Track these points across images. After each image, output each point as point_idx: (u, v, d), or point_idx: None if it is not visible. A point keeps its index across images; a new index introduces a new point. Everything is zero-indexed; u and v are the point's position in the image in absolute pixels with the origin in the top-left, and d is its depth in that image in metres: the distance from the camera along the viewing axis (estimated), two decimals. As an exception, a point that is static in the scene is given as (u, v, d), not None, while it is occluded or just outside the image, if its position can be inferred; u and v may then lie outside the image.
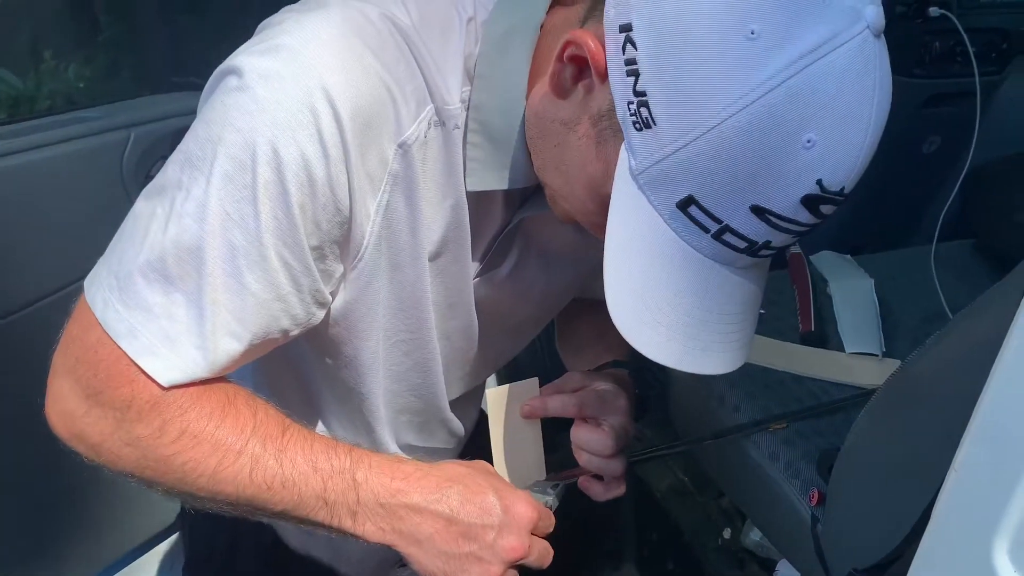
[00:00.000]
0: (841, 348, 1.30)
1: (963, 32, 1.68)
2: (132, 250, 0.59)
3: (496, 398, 0.81)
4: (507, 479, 0.81)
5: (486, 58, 0.65)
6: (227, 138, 0.56)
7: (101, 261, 0.61)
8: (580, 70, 0.60)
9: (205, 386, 0.61)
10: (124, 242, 0.60)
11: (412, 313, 0.73)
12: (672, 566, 1.61)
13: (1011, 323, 0.52)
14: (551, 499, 0.78)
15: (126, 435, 0.59)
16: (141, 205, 0.61)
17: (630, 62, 0.55)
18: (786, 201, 0.55)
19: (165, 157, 1.13)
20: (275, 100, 0.56)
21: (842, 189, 0.55)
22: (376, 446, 0.84)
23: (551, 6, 0.67)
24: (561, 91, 0.62)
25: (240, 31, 0.64)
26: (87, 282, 0.61)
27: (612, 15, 0.57)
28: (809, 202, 0.55)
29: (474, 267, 0.75)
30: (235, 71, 0.58)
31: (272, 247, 0.59)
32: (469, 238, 0.72)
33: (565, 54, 0.60)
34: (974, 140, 1.62)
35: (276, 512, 0.62)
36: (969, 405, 0.55)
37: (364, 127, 0.59)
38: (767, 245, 0.58)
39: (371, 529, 0.63)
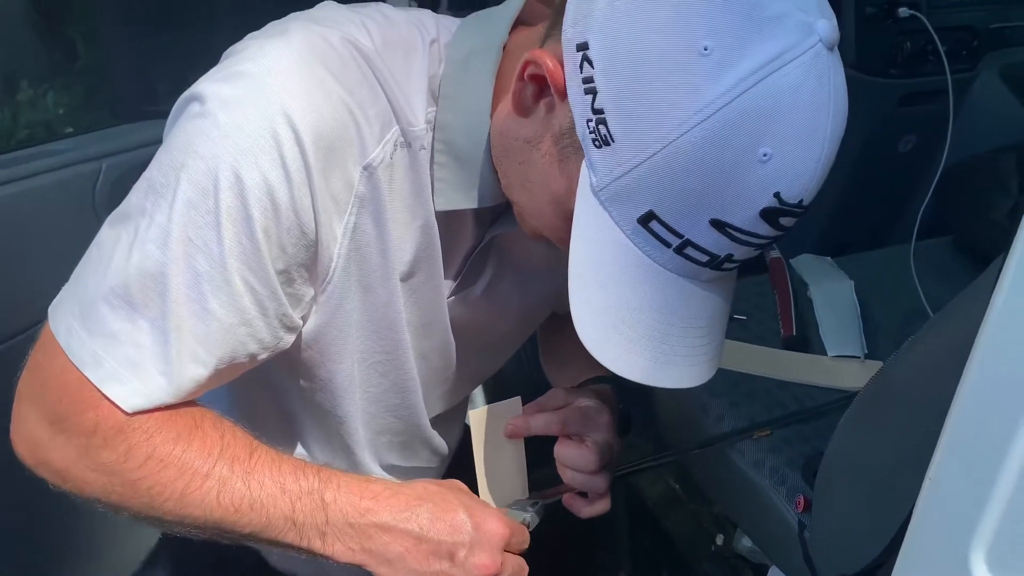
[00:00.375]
0: (823, 352, 1.30)
1: (933, 31, 1.70)
2: (96, 277, 0.59)
3: (479, 418, 0.81)
4: (490, 499, 0.81)
5: (450, 79, 0.66)
6: (189, 164, 0.57)
7: (65, 288, 0.61)
8: (541, 89, 0.61)
9: (171, 410, 0.61)
10: (88, 269, 0.60)
11: (386, 334, 0.73)
12: (666, 574, 1.60)
13: (979, 328, 0.52)
14: (529, 516, 0.78)
15: (92, 461, 0.59)
16: (105, 232, 0.61)
17: (587, 80, 0.56)
18: (745, 215, 0.55)
19: (137, 187, 1.14)
20: (237, 126, 0.57)
21: (800, 201, 0.56)
22: (356, 468, 0.83)
23: (514, 27, 0.68)
24: (523, 110, 0.62)
25: (213, 59, 0.65)
26: (51, 309, 0.61)
27: (570, 34, 0.58)
28: (768, 215, 0.55)
29: (448, 286, 0.75)
30: (197, 98, 0.59)
31: (236, 272, 0.59)
32: (440, 258, 0.72)
33: (525, 73, 0.60)
34: (948, 138, 1.63)
35: (245, 534, 0.62)
36: (946, 409, 0.55)
37: (327, 151, 0.60)
38: (729, 258, 0.58)
39: (341, 549, 0.62)
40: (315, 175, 0.59)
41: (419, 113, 0.66)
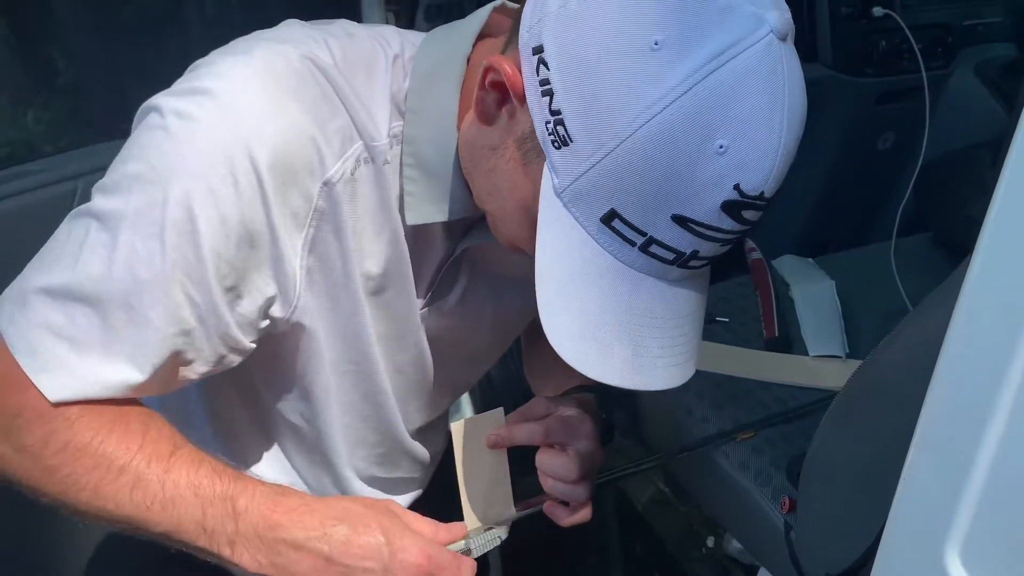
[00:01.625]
0: (805, 352, 1.31)
1: (907, 30, 1.71)
2: (44, 271, 0.60)
3: (461, 430, 0.81)
4: (472, 511, 0.80)
5: (416, 92, 0.66)
6: (142, 175, 0.58)
7: (17, 278, 0.62)
8: (502, 95, 0.61)
9: (99, 404, 0.61)
10: (40, 261, 0.62)
11: (354, 345, 0.73)
12: (658, 577, 1.60)
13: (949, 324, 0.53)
14: (474, 543, 0.77)
15: (13, 442, 0.60)
16: (62, 228, 0.62)
17: (544, 82, 0.56)
18: (706, 209, 0.55)
19: (115, 206, 1.13)
20: (191, 142, 0.58)
21: (762, 193, 0.56)
22: (339, 481, 0.83)
23: (478, 40, 0.68)
24: (486, 117, 0.63)
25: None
26: (2, 300, 0.62)
27: (526, 38, 0.58)
28: (730, 208, 0.55)
29: (421, 299, 0.75)
30: (156, 109, 0.60)
31: (178, 283, 0.59)
32: (410, 271, 0.72)
33: (486, 81, 0.61)
34: (925, 135, 1.64)
35: (156, 534, 0.62)
36: (920, 407, 0.55)
37: (284, 169, 0.60)
38: (695, 255, 0.58)
39: (248, 560, 0.62)
40: (270, 192, 0.60)
41: (382, 128, 0.66)
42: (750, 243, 1.59)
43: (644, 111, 0.53)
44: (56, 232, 0.62)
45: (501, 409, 0.82)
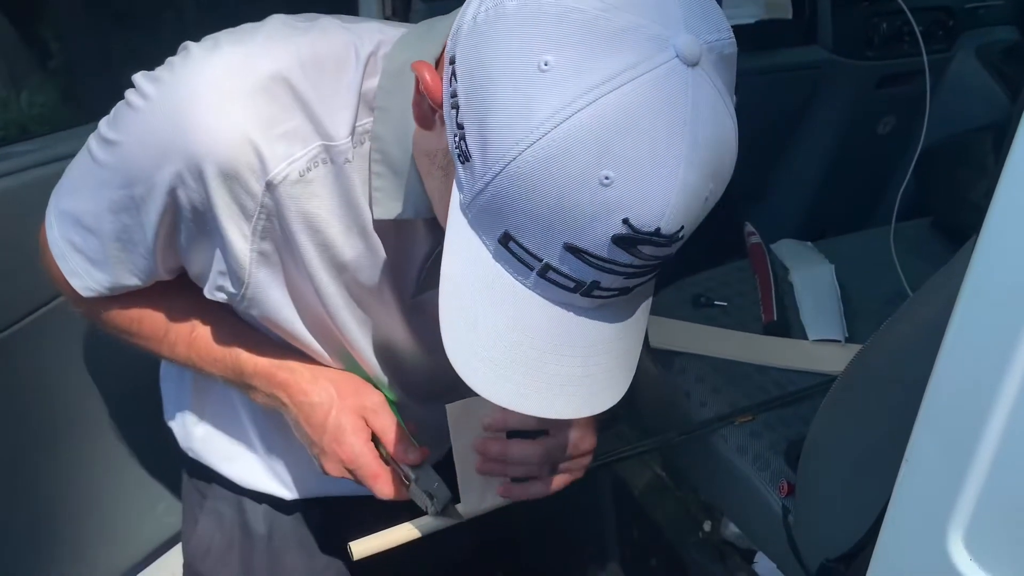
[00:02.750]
0: (804, 336, 1.30)
1: (908, 12, 1.70)
2: (65, 192, 0.73)
3: (458, 411, 0.80)
4: (469, 492, 0.80)
5: (384, 91, 0.66)
6: (116, 141, 0.66)
7: (58, 185, 0.75)
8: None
9: (125, 295, 0.78)
10: (69, 178, 0.73)
11: (325, 329, 0.78)
12: (655, 562, 1.60)
13: (952, 309, 0.52)
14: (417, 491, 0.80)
15: (81, 308, 0.81)
16: (83, 149, 0.71)
17: (453, 94, 0.55)
18: (596, 241, 0.52)
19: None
20: (149, 127, 0.65)
21: (657, 230, 0.52)
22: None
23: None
24: (424, 122, 0.61)
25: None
26: (50, 203, 0.76)
27: (448, 47, 0.57)
28: (622, 242, 0.52)
29: (409, 287, 0.76)
30: (134, 83, 0.66)
31: (152, 231, 0.70)
32: (384, 263, 0.73)
33: (420, 86, 0.59)
34: (926, 119, 1.64)
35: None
36: (922, 390, 0.54)
37: (226, 168, 0.64)
38: (596, 285, 0.56)
39: (261, 399, 0.81)
40: (212, 186, 0.65)
41: (343, 127, 0.66)
42: (749, 227, 1.58)
43: (527, 134, 0.50)
44: (83, 148, 0.71)
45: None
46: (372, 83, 0.66)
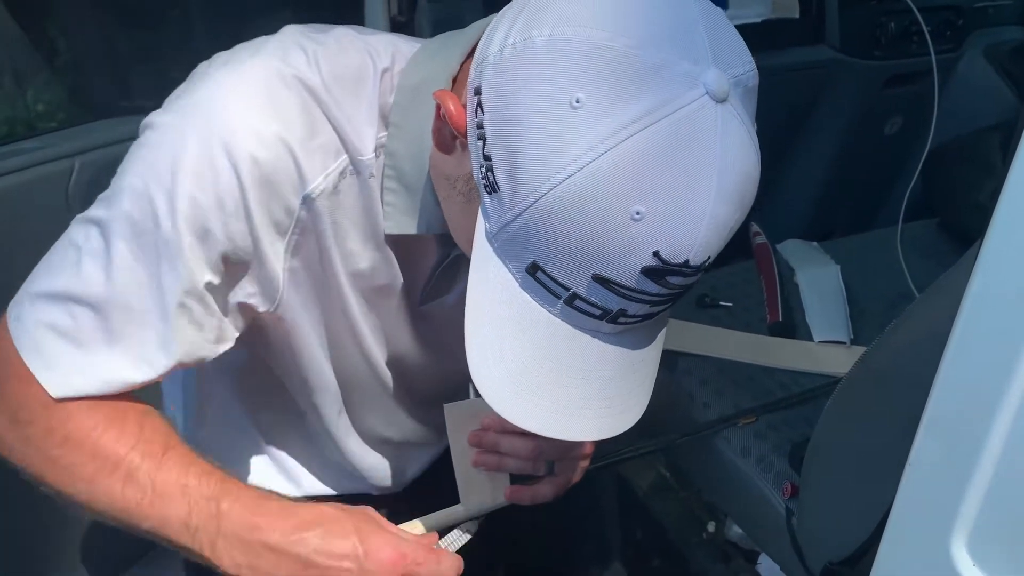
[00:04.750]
0: (810, 337, 1.30)
1: (916, 11, 1.69)
2: (48, 275, 0.64)
3: (456, 412, 0.80)
4: (468, 493, 0.80)
5: (399, 108, 0.66)
6: (135, 187, 0.61)
7: (24, 283, 0.65)
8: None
9: (99, 399, 0.64)
10: (45, 266, 0.65)
11: (344, 335, 0.76)
12: (658, 563, 1.60)
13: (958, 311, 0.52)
14: (452, 537, 0.77)
15: (19, 432, 0.63)
16: (70, 231, 0.65)
17: (479, 125, 0.55)
18: (626, 272, 0.53)
19: (113, 184, 1.13)
20: (177, 157, 0.60)
21: (686, 262, 0.53)
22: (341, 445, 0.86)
23: (469, 56, 0.67)
24: (444, 146, 0.62)
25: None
26: (12, 302, 0.65)
27: (472, 76, 0.57)
28: (651, 273, 0.53)
29: (417, 297, 0.76)
30: (149, 126, 0.62)
31: (172, 294, 0.63)
32: (399, 274, 0.73)
33: (440, 112, 0.60)
34: (934, 119, 1.62)
35: (144, 529, 0.64)
36: (927, 394, 0.54)
37: (265, 184, 0.62)
38: (623, 313, 0.56)
39: (228, 561, 0.63)
40: (252, 205, 0.62)
41: (368, 142, 0.66)
42: (755, 227, 1.58)
43: (560, 170, 0.51)
44: (65, 234, 0.64)
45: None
46: (388, 99, 0.67)
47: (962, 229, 1.52)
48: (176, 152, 0.60)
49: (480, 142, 0.55)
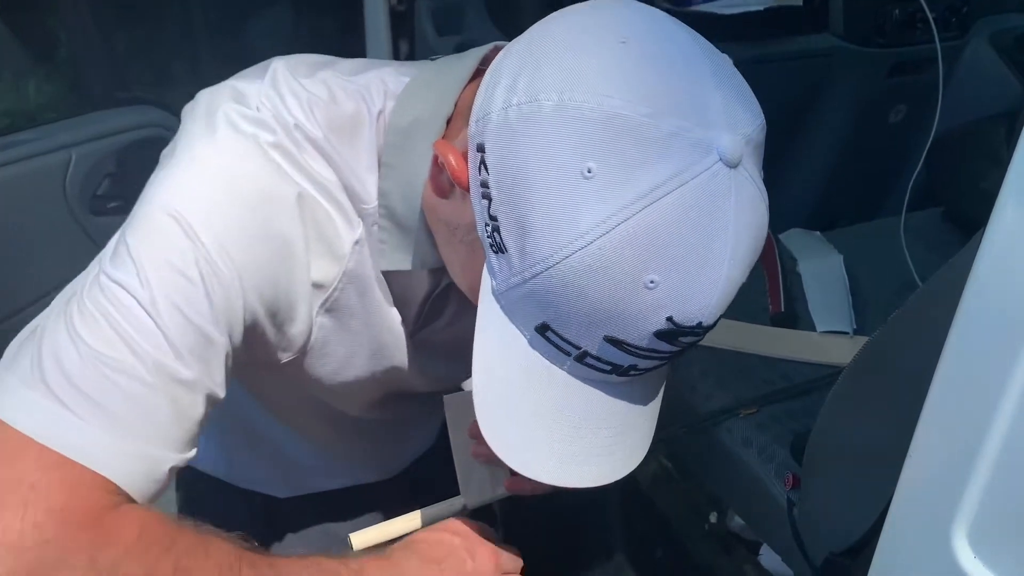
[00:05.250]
0: (812, 327, 1.29)
1: (921, -2, 1.67)
2: (57, 348, 0.56)
3: (455, 403, 0.80)
4: (468, 483, 0.80)
5: (391, 148, 0.65)
6: (144, 269, 0.56)
7: (17, 360, 0.57)
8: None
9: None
10: (50, 351, 0.56)
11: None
12: (660, 553, 1.60)
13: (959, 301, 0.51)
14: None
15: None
16: (88, 295, 0.57)
17: (484, 184, 0.54)
18: (638, 335, 0.53)
19: (110, 175, 1.12)
20: (191, 243, 0.57)
21: (699, 324, 0.53)
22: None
23: (470, 80, 0.66)
24: (442, 192, 0.61)
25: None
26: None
27: (472, 130, 0.56)
28: (664, 335, 0.53)
29: (411, 325, 0.76)
30: (165, 210, 0.57)
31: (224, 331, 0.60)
32: (391, 301, 0.73)
33: (439, 161, 0.59)
34: (938, 107, 1.61)
35: None
36: (929, 384, 0.54)
37: (274, 318, 0.63)
38: (634, 367, 0.56)
39: None
40: (268, 329, 0.63)
41: (371, 188, 0.66)
42: (757, 217, 1.57)
43: (572, 241, 0.50)
44: (85, 295, 0.57)
45: (499, 384, 0.82)
46: (382, 141, 0.66)
47: (966, 218, 1.51)
48: (186, 239, 0.56)
49: (485, 201, 0.54)
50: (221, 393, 0.60)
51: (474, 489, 0.80)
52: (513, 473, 0.83)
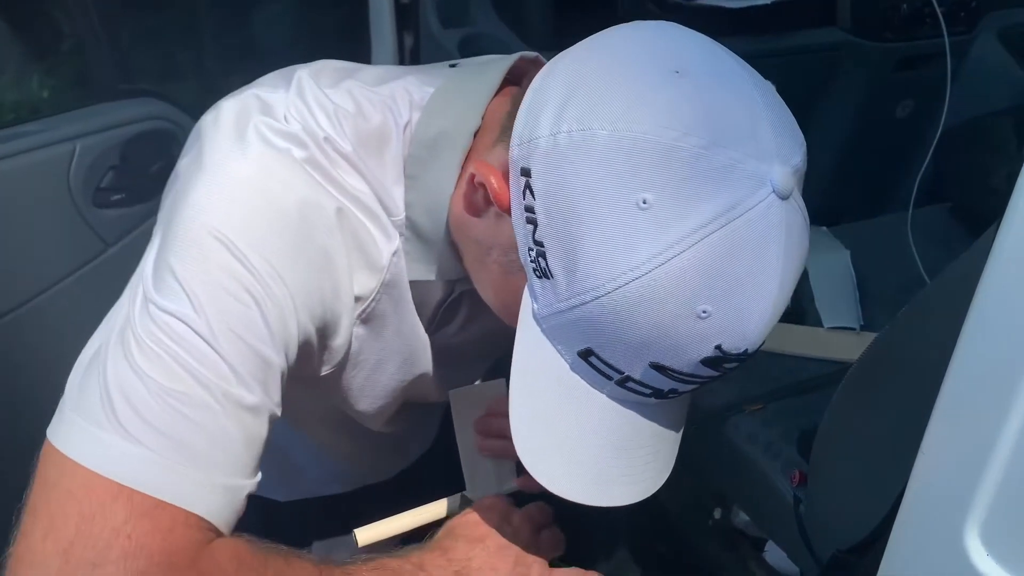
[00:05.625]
0: (819, 323, 1.28)
1: (930, -8, 1.66)
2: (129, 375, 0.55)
3: (461, 398, 0.80)
4: (473, 479, 0.80)
5: (416, 160, 0.65)
6: (192, 289, 0.56)
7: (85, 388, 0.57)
8: (489, 197, 0.59)
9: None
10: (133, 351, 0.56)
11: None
12: (664, 549, 1.60)
13: (973, 297, 0.50)
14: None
15: None
16: (141, 327, 0.56)
17: (529, 209, 0.54)
18: (684, 362, 0.54)
19: (114, 168, 1.12)
20: (232, 271, 0.56)
21: (745, 351, 0.54)
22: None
23: (498, 88, 0.66)
24: (474, 210, 0.61)
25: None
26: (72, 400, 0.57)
27: (515, 154, 0.55)
28: (709, 362, 0.54)
29: (426, 330, 0.76)
30: (207, 228, 0.56)
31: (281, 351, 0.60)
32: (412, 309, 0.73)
33: (475, 180, 0.59)
34: (946, 103, 1.60)
35: None
36: (939, 379, 0.53)
37: (322, 327, 0.63)
38: (674, 392, 0.57)
39: None
40: (315, 342, 0.63)
41: (399, 202, 0.66)
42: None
43: (625, 273, 0.50)
44: (138, 326, 0.56)
45: (503, 380, 0.82)
46: (408, 152, 0.66)
47: (974, 214, 1.50)
48: (228, 265, 0.56)
49: (530, 226, 0.54)
50: (279, 412, 0.60)
51: (480, 483, 0.80)
52: (521, 470, 0.83)
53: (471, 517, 0.70)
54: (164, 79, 1.25)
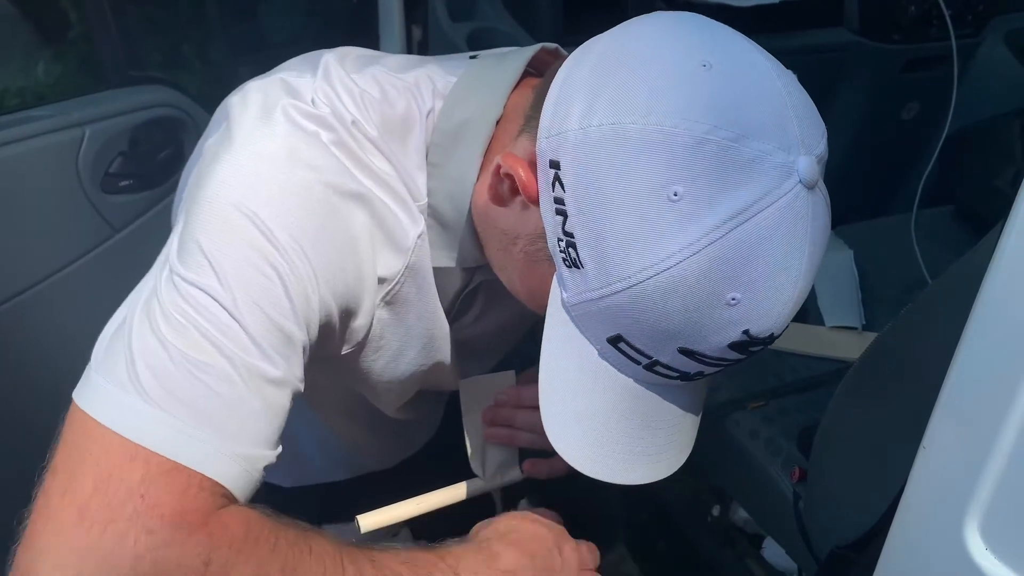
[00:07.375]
0: (821, 322, 1.29)
1: (938, -5, 1.66)
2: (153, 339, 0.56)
3: (470, 388, 0.81)
4: (480, 468, 0.80)
5: (438, 148, 0.66)
6: (215, 261, 0.56)
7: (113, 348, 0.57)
8: (516, 187, 0.60)
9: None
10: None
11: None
12: (662, 545, 1.60)
13: (975, 297, 0.51)
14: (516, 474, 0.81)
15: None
16: (168, 299, 0.56)
17: (559, 201, 0.55)
18: (713, 346, 0.55)
19: (123, 153, 1.12)
20: (255, 245, 0.57)
21: (771, 335, 0.55)
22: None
23: (520, 78, 0.66)
24: (499, 200, 0.62)
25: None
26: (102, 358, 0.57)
27: (543, 145, 0.56)
28: (737, 347, 0.55)
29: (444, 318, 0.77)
30: (238, 206, 0.56)
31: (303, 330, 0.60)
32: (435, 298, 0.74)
33: (500, 171, 0.60)
34: (952, 105, 1.60)
35: None
36: (940, 379, 0.54)
37: (346, 309, 0.63)
38: (700, 374, 0.58)
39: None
40: (337, 322, 0.63)
41: (422, 187, 0.66)
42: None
43: (656, 263, 0.51)
44: (164, 296, 0.56)
45: (512, 372, 0.82)
46: (431, 140, 0.67)
47: (978, 215, 1.50)
48: (254, 239, 0.56)
49: (559, 217, 0.55)
50: (302, 388, 0.61)
51: (487, 473, 0.81)
52: (526, 456, 0.84)
53: (531, 528, 0.69)
54: (173, 67, 1.25)
